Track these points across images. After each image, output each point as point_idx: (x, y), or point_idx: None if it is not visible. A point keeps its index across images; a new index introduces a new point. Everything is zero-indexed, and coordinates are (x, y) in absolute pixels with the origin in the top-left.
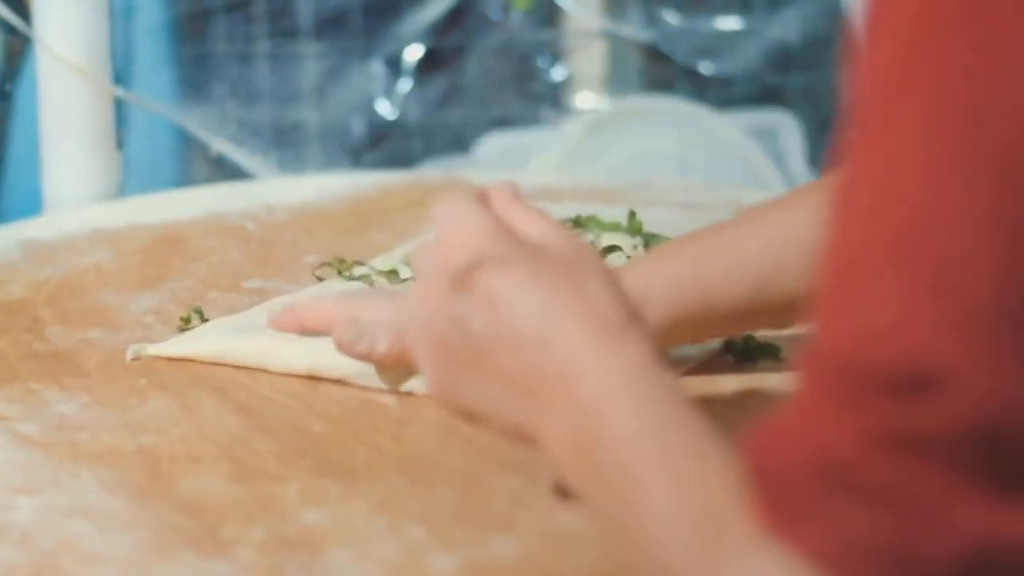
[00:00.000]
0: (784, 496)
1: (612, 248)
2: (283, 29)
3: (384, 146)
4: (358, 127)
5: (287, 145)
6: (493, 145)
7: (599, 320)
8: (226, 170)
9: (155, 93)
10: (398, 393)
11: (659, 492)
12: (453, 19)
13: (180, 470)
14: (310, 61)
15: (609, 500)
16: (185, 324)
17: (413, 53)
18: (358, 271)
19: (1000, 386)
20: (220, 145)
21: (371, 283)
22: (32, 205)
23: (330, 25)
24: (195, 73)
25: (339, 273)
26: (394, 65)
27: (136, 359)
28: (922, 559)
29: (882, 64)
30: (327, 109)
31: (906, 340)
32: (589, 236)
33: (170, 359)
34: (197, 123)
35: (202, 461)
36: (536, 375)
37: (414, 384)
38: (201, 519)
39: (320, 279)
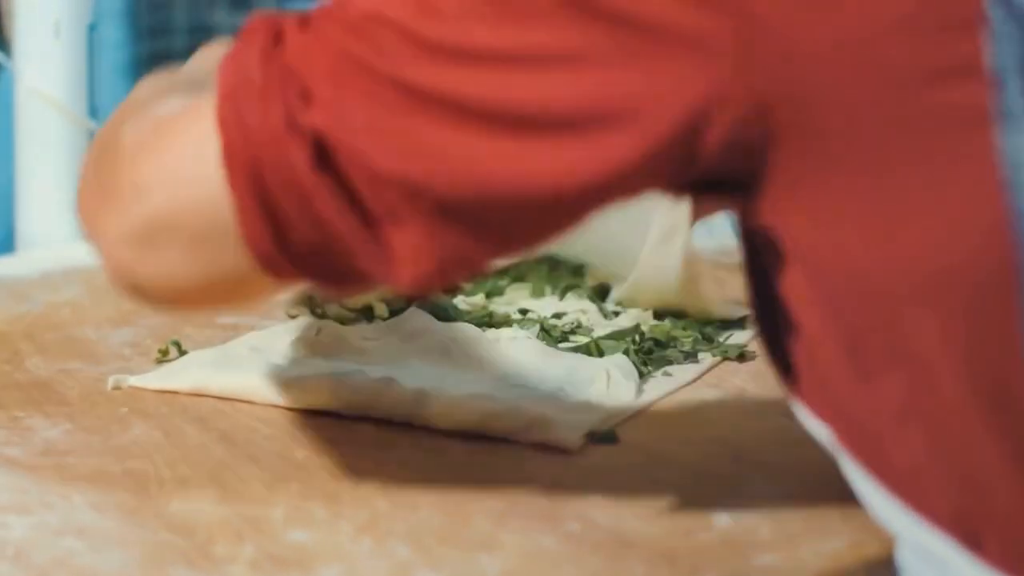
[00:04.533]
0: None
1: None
2: None
3: None
4: None
5: None
6: None
7: None
8: None
9: None
10: (378, 420)
11: None
12: None
13: (168, 492)
14: None
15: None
16: (163, 356)
17: None
18: (329, 308)
19: None
20: None
21: (342, 320)
22: (7, 238)
23: None
24: None
25: (311, 311)
26: None
27: (117, 388)
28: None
29: None
30: None
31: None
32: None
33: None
34: None
35: (190, 484)
36: None
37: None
38: (192, 538)
39: (292, 316)
